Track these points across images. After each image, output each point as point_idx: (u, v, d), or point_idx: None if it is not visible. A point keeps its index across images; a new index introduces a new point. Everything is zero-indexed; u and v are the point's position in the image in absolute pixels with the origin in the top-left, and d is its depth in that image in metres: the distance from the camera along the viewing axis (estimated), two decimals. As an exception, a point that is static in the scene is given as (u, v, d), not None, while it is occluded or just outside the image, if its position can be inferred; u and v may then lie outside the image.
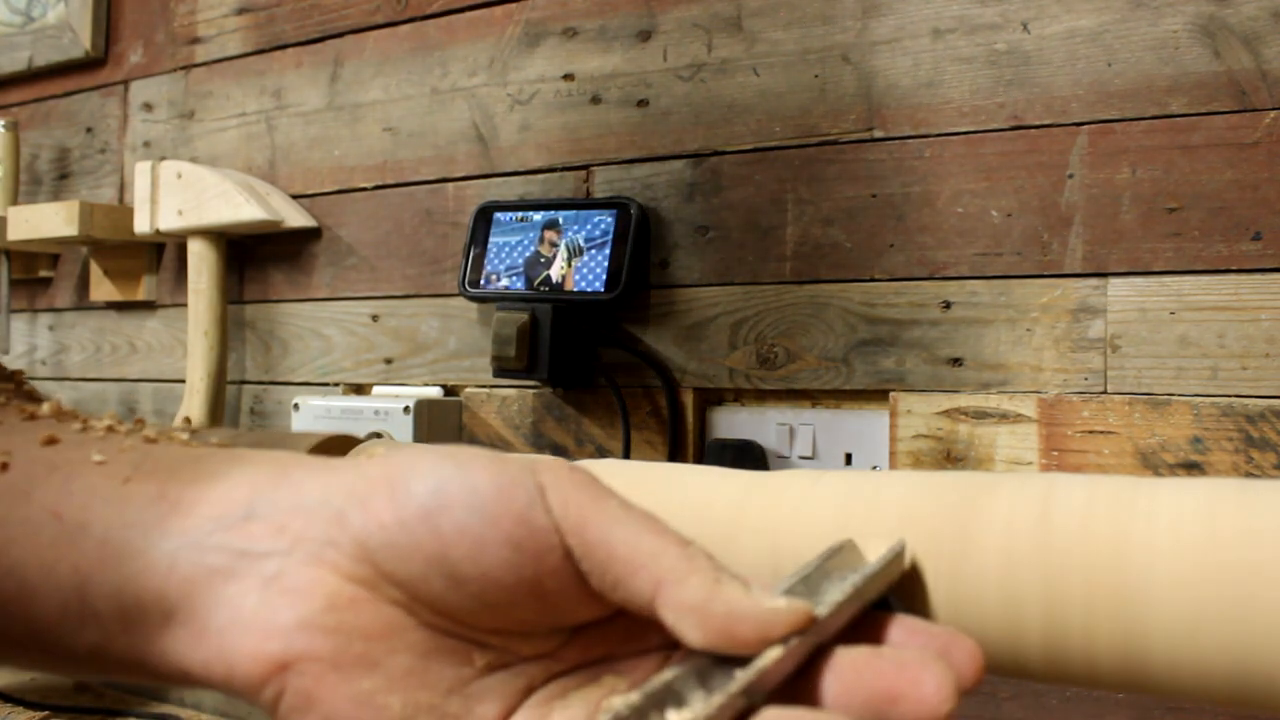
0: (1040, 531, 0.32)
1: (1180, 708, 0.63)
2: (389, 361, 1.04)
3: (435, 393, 1.00)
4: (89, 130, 1.29)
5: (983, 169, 0.76)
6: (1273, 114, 0.67)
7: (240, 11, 1.15)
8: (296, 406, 0.99)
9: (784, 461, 0.83)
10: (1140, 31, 0.71)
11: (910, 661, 0.27)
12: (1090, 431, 0.71)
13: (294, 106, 1.11)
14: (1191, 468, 0.68)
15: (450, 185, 1.00)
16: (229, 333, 1.12)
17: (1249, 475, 0.66)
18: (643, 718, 0.24)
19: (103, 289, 1.25)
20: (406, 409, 0.93)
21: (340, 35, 1.08)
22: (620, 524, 0.28)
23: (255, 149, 1.14)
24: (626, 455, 0.88)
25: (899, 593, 0.34)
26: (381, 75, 1.05)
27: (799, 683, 0.27)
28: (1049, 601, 0.31)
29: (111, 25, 1.27)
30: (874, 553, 0.33)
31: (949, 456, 0.76)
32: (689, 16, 0.88)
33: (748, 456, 0.83)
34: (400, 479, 0.29)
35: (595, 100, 0.92)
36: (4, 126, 1.25)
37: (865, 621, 0.30)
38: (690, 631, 0.27)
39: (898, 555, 0.33)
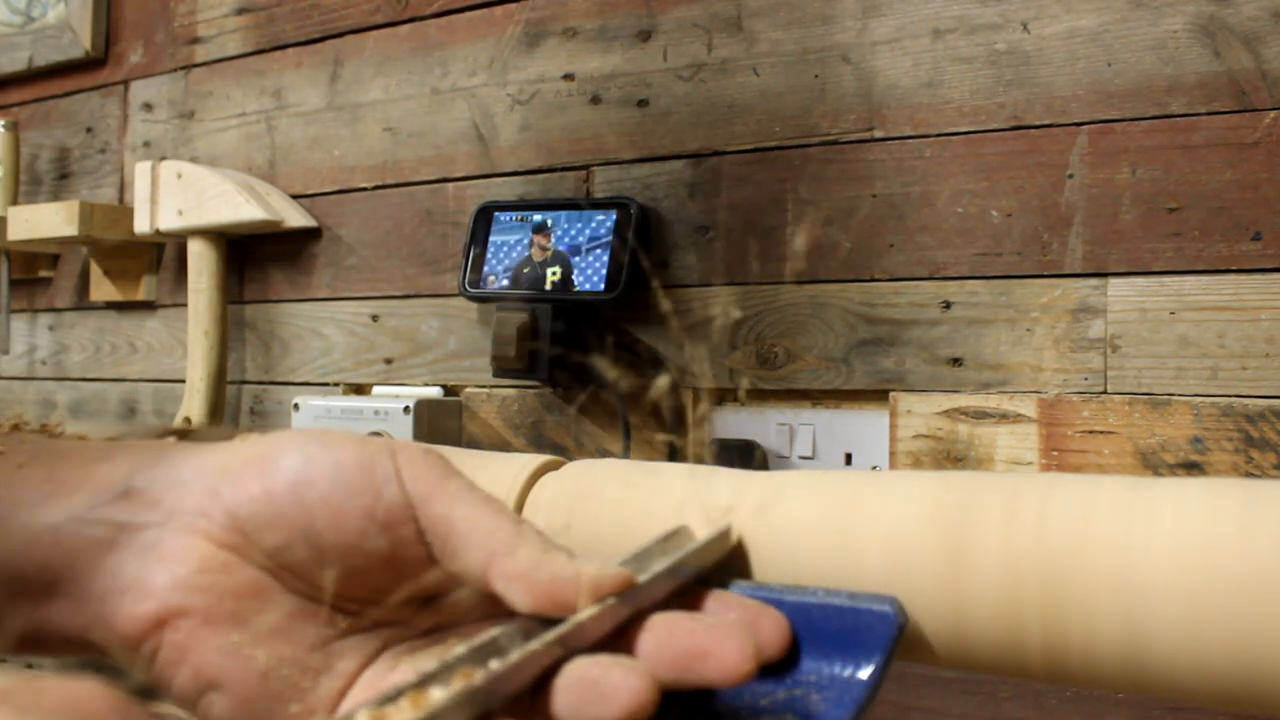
0: (1040, 531, 0.32)
1: (1180, 708, 0.63)
2: (389, 361, 1.04)
3: (435, 393, 1.00)
4: (89, 130, 1.29)
5: (983, 169, 0.76)
6: (1273, 114, 0.67)
7: (240, 11, 1.15)
8: (296, 406, 0.99)
9: (784, 461, 0.83)
10: (1140, 31, 0.71)
11: (718, 625, 0.30)
12: (1090, 431, 0.71)
13: (294, 106, 1.11)
14: (1191, 468, 0.68)
15: (450, 185, 1.00)
16: (229, 333, 1.12)
17: (1249, 475, 0.66)
18: (470, 665, 0.27)
19: (103, 289, 1.25)
20: (406, 409, 0.93)
21: (340, 35, 1.08)
22: (461, 502, 0.31)
23: (255, 149, 1.14)
24: (626, 455, 0.88)
25: (725, 570, 0.36)
26: (381, 75, 1.05)
27: (619, 641, 0.30)
28: (1049, 602, 0.31)
29: (111, 25, 1.27)
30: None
31: (949, 456, 0.76)
32: (689, 16, 0.88)
33: (748, 456, 0.83)
34: (270, 456, 0.32)
35: (595, 100, 0.92)
36: (4, 126, 1.25)
37: (687, 595, 0.33)
38: (518, 597, 0.30)
39: (722, 535, 0.36)
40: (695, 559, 0.34)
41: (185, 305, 1.12)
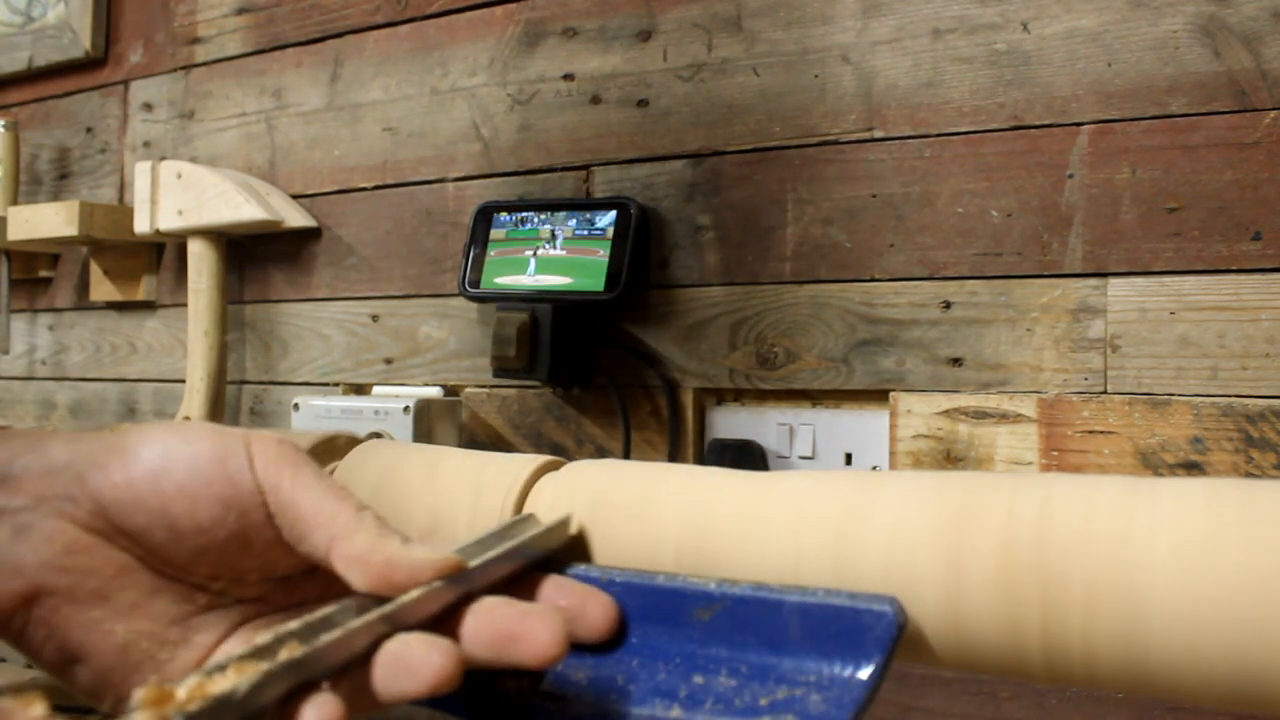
0: (1040, 531, 0.32)
1: (1180, 708, 0.63)
2: (389, 361, 1.04)
3: (435, 393, 1.00)
4: (89, 130, 1.29)
5: (983, 169, 0.76)
6: (1273, 114, 0.67)
7: (240, 11, 1.15)
8: (296, 406, 0.99)
9: (784, 461, 0.83)
10: (1140, 31, 0.71)
11: (532, 611, 0.32)
12: (1090, 431, 0.71)
13: (294, 106, 1.11)
14: (1191, 468, 0.68)
15: (450, 185, 1.00)
16: (229, 333, 1.12)
17: (1249, 475, 0.66)
18: (299, 639, 0.29)
19: (103, 289, 1.25)
20: (406, 409, 0.93)
21: (340, 35, 1.08)
22: (308, 489, 0.34)
23: (255, 149, 1.14)
24: (626, 455, 0.88)
25: (569, 556, 0.39)
26: (381, 75, 1.05)
27: (447, 620, 0.33)
28: (1049, 601, 0.31)
29: (111, 25, 1.27)
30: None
31: (949, 456, 0.76)
32: (689, 16, 0.88)
33: (748, 456, 0.83)
34: (133, 446, 0.34)
35: (595, 100, 0.92)
36: (4, 126, 1.25)
37: (525, 578, 0.36)
38: (355, 578, 0.32)
39: (562, 524, 0.39)
40: (533, 544, 0.37)
41: (185, 305, 1.12)
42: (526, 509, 0.42)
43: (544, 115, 0.95)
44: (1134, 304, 0.71)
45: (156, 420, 0.39)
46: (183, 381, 1.12)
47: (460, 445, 0.94)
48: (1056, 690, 0.63)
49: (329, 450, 0.50)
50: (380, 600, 0.32)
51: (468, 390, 0.99)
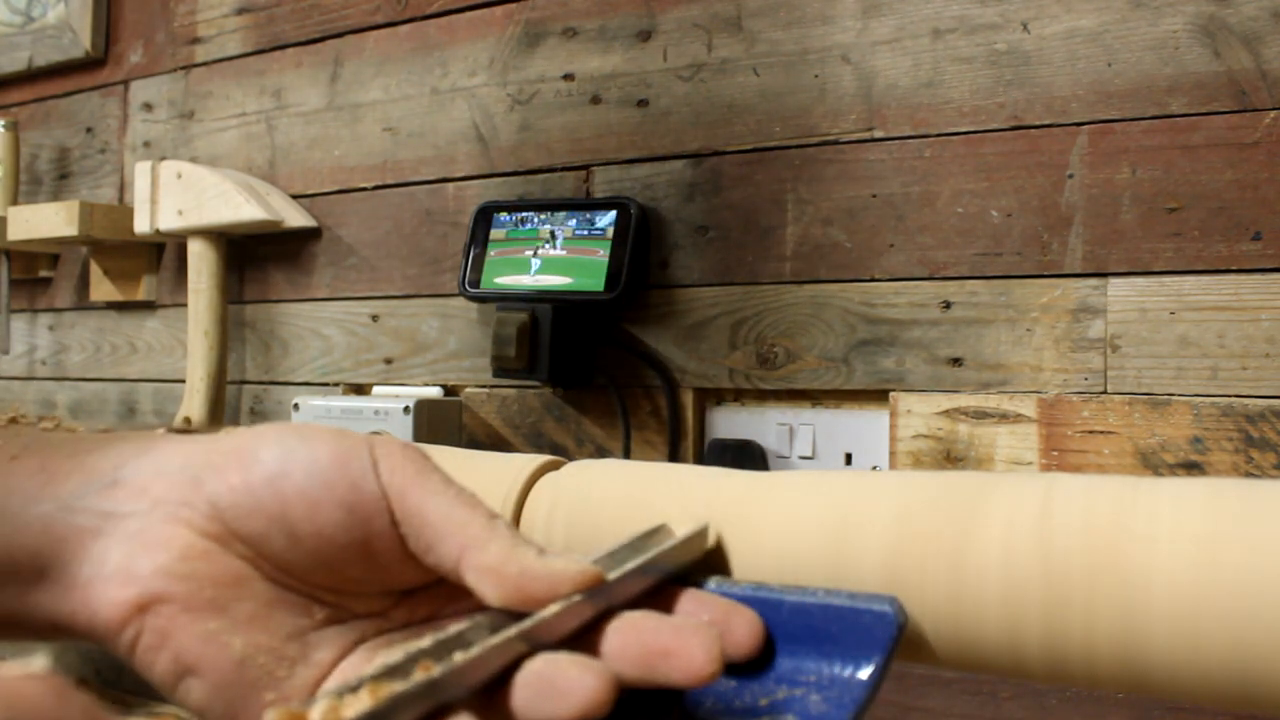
0: (1040, 531, 0.32)
1: (1180, 708, 0.63)
2: (389, 361, 1.04)
3: (435, 393, 1.00)
4: (89, 130, 1.29)
5: (983, 169, 0.76)
6: (1273, 114, 0.67)
7: (240, 11, 1.15)
8: (296, 406, 0.99)
9: (784, 461, 0.83)
10: (1140, 31, 0.71)
11: (684, 626, 0.30)
12: (1090, 431, 0.71)
13: (294, 106, 1.11)
14: (1191, 468, 0.68)
15: (450, 185, 1.00)
16: (229, 333, 1.12)
17: (1249, 475, 0.66)
18: (433, 658, 0.27)
19: (103, 289, 1.25)
20: (406, 409, 0.93)
21: (340, 35, 1.08)
22: (437, 495, 0.32)
23: (255, 149, 1.14)
24: (626, 455, 0.88)
25: (703, 568, 0.37)
26: (381, 75, 1.05)
27: (586, 637, 0.30)
28: (1049, 601, 0.31)
29: (111, 25, 1.27)
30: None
31: (949, 456, 0.76)
32: (689, 16, 0.88)
33: (748, 456, 0.83)
34: (250, 448, 0.33)
35: (595, 100, 0.92)
36: (4, 126, 1.25)
37: (662, 592, 0.34)
38: (489, 591, 0.30)
39: (699, 535, 0.37)
40: (670, 557, 0.35)
41: (185, 305, 1.12)
42: (527, 509, 0.42)
43: (544, 115, 0.95)
44: (1134, 304, 0.71)
45: (275, 422, 0.37)
46: (183, 381, 1.12)
47: (460, 445, 0.94)
48: (1056, 690, 0.63)
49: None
50: (514, 615, 0.30)
51: (468, 390, 0.99)
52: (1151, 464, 0.69)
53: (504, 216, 0.93)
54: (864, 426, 0.81)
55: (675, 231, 0.88)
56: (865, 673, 0.32)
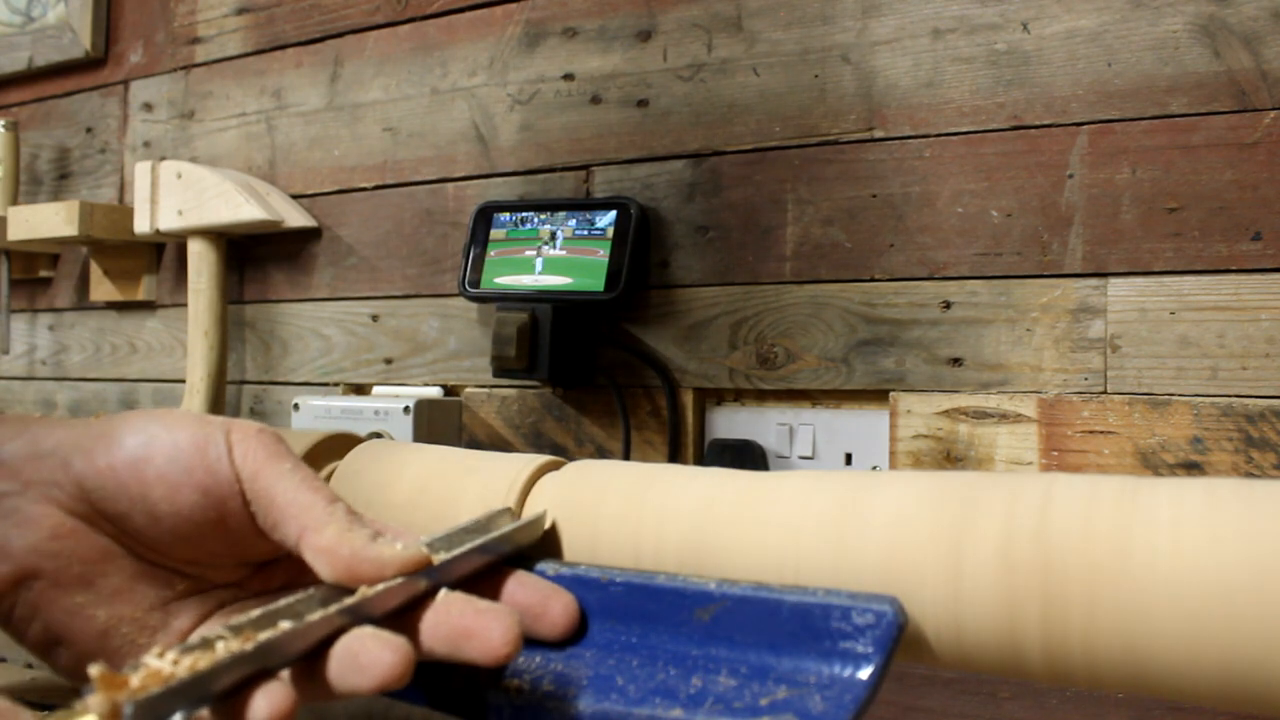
0: (1040, 531, 0.32)
1: (1180, 708, 0.63)
2: (389, 361, 1.04)
3: (435, 393, 1.00)
4: (89, 130, 1.30)
5: (983, 169, 0.76)
6: (1273, 114, 0.67)
7: (240, 11, 1.15)
8: (296, 406, 0.99)
9: (784, 461, 0.84)
10: (1140, 31, 0.71)
11: (487, 609, 0.33)
12: (1090, 431, 0.71)
13: (294, 106, 1.11)
14: (1191, 468, 0.68)
15: (450, 185, 1.00)
16: (229, 333, 1.12)
17: (1249, 475, 0.66)
18: (256, 628, 0.30)
19: (103, 289, 1.25)
20: (406, 409, 0.93)
21: (340, 35, 1.08)
22: (284, 479, 0.35)
23: (255, 149, 1.14)
24: (626, 455, 0.88)
25: (538, 551, 0.40)
26: (381, 75, 1.05)
27: (410, 614, 0.33)
28: (1049, 602, 0.31)
29: (111, 25, 1.27)
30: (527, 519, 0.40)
31: (949, 456, 0.76)
32: (689, 16, 0.88)
33: (748, 456, 0.83)
34: (116, 433, 0.35)
35: (595, 100, 0.92)
36: (4, 126, 1.25)
37: (492, 575, 0.37)
38: (323, 569, 0.33)
39: (537, 520, 0.40)
40: (503, 541, 0.38)
41: (185, 305, 1.12)
42: (527, 509, 0.42)
43: (544, 115, 0.95)
44: (1134, 304, 0.71)
45: (142, 409, 0.40)
46: (183, 381, 1.12)
47: (460, 445, 0.94)
48: (1056, 690, 0.63)
49: (329, 450, 0.50)
50: (346, 592, 0.33)
51: (468, 390, 0.99)
52: (1151, 464, 0.69)
53: (504, 216, 0.93)
54: (864, 426, 0.81)
55: (675, 231, 0.88)
56: (865, 673, 0.32)
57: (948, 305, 0.77)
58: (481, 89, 0.99)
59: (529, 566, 0.39)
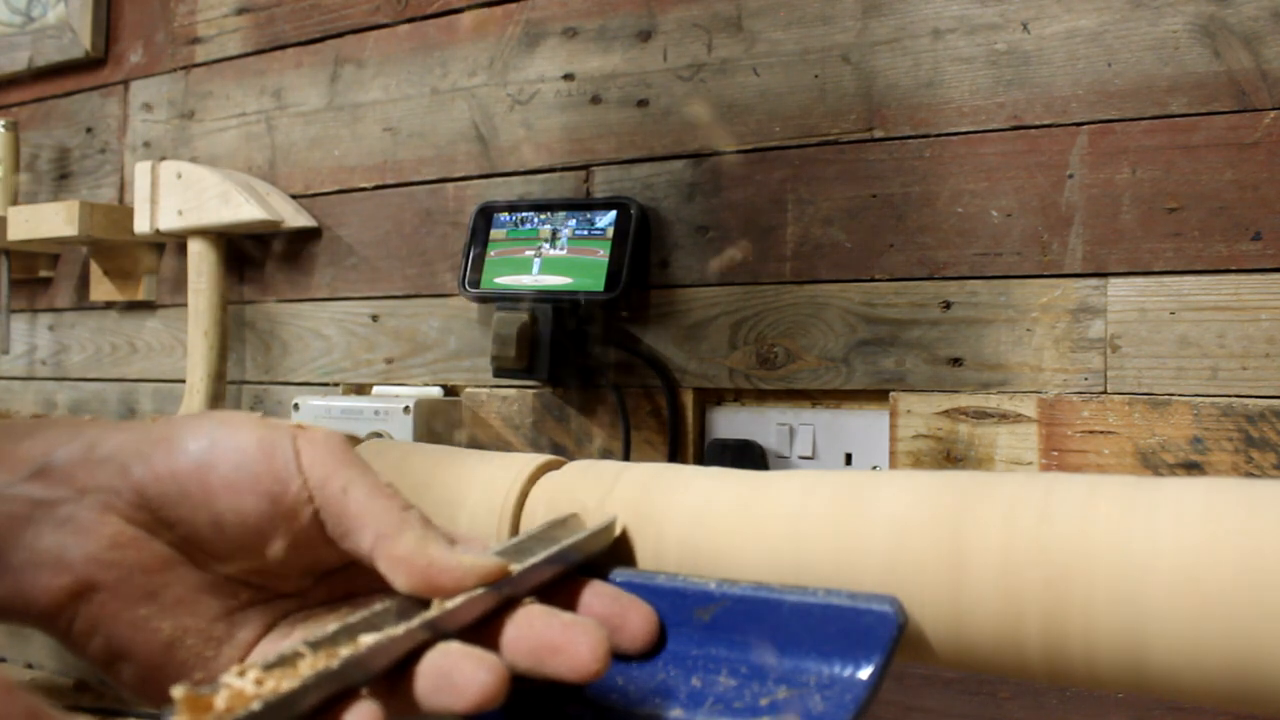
0: (1040, 531, 0.32)
1: (1180, 708, 0.63)
2: (389, 361, 1.04)
3: (435, 393, 1.00)
4: (89, 130, 1.30)
5: (983, 169, 0.76)
6: (1273, 114, 0.67)
7: (240, 11, 1.15)
8: (296, 406, 0.99)
9: (784, 461, 0.84)
10: (1140, 31, 0.71)
11: (574, 623, 0.32)
12: (1090, 431, 0.71)
13: (294, 106, 1.11)
14: (1191, 468, 0.68)
15: (450, 185, 1.00)
16: (229, 333, 1.12)
17: (1249, 475, 0.66)
18: (335, 643, 0.28)
19: (103, 289, 1.25)
20: (406, 409, 0.93)
21: (340, 35, 1.08)
22: (355, 485, 0.33)
23: (255, 149, 1.14)
24: (626, 455, 0.88)
25: (610, 559, 0.38)
26: (381, 75, 1.05)
27: (490, 626, 0.32)
28: (1049, 601, 0.31)
29: (111, 25, 1.27)
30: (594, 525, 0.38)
31: (949, 456, 0.76)
32: (689, 16, 0.88)
33: (748, 456, 0.83)
34: (177, 438, 0.33)
35: (595, 100, 0.92)
36: (4, 126, 1.25)
37: (567, 582, 0.35)
38: (399, 579, 0.32)
39: (607, 528, 0.38)
40: (577, 549, 0.36)
41: (185, 305, 1.12)
42: (527, 509, 0.42)
43: (544, 115, 0.95)
44: (1134, 304, 0.71)
45: (203, 411, 0.39)
46: (183, 381, 1.12)
47: (460, 445, 0.94)
48: (1056, 690, 0.63)
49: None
50: (422, 602, 0.31)
51: (468, 390, 0.99)
52: (1151, 464, 0.69)
53: (504, 216, 0.93)
54: (864, 426, 0.81)
55: (675, 231, 0.88)
56: (865, 673, 0.32)
57: (948, 305, 0.77)
58: (481, 89, 0.99)
59: (603, 575, 0.37)
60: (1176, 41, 0.70)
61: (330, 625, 0.29)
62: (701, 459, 0.87)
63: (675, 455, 0.87)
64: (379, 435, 0.93)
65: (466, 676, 0.29)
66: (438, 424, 0.95)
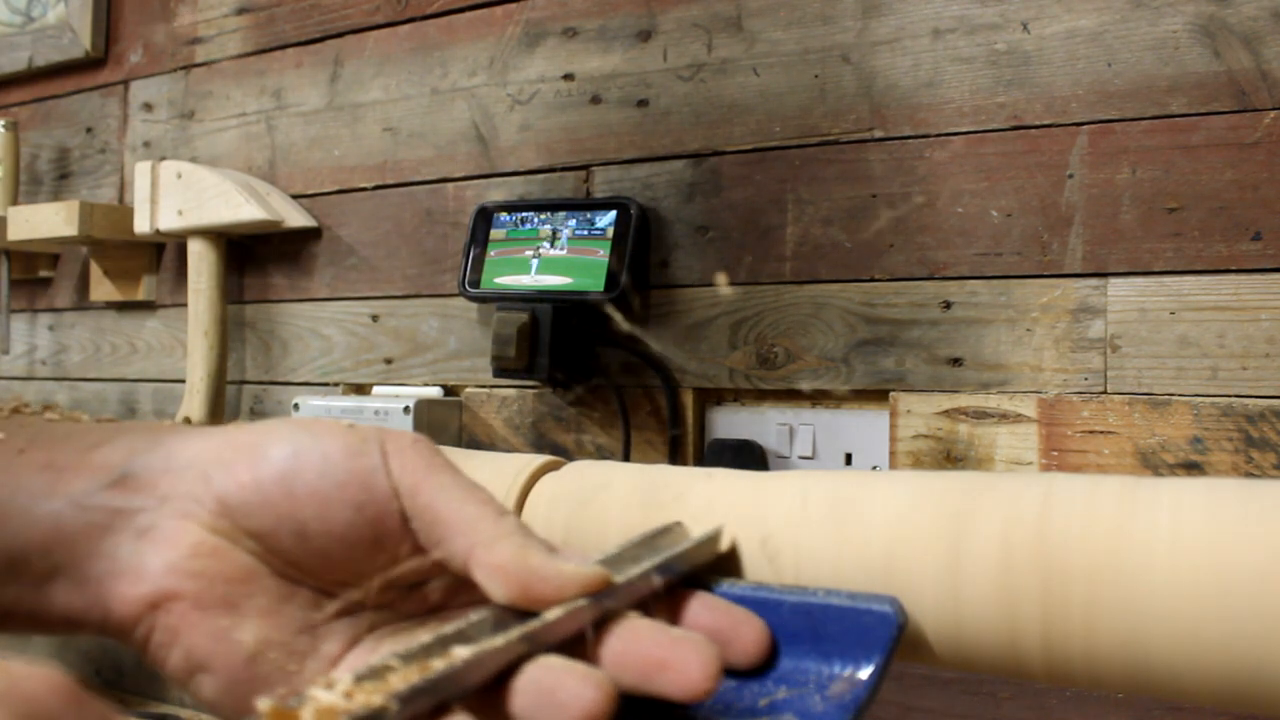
0: (1040, 531, 0.32)
1: (1180, 708, 0.63)
2: (389, 361, 1.04)
3: (435, 393, 1.00)
4: (89, 130, 1.29)
5: (983, 169, 0.76)
6: (1273, 114, 0.67)
7: (240, 11, 1.15)
8: (296, 406, 0.99)
9: (784, 461, 0.83)
10: (1140, 31, 0.71)
11: (683, 638, 0.30)
12: (1090, 431, 0.71)
13: (294, 106, 1.11)
14: (1191, 468, 0.68)
15: (450, 185, 1.00)
16: (229, 333, 1.12)
17: (1249, 475, 0.66)
18: (428, 655, 0.27)
19: (103, 289, 1.25)
20: (406, 409, 0.93)
21: (340, 35, 1.08)
22: (447, 491, 0.32)
23: (255, 149, 1.14)
24: (626, 455, 0.88)
25: (717, 571, 0.36)
26: (381, 75, 1.05)
27: (590, 640, 0.30)
28: (1049, 601, 0.31)
29: (111, 25, 1.27)
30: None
31: (949, 456, 0.76)
32: (689, 16, 0.88)
33: (748, 456, 0.83)
34: (260, 445, 0.33)
35: (595, 100, 0.92)
36: (4, 126, 1.25)
37: (672, 594, 0.34)
38: (496, 589, 0.30)
39: (713, 538, 0.36)
40: (681, 560, 0.35)
41: (185, 305, 1.12)
42: (526, 509, 0.42)
43: (544, 115, 0.95)
44: (1134, 304, 0.71)
45: (285, 417, 0.38)
46: (183, 381, 1.12)
47: (460, 445, 0.94)
48: (1056, 690, 0.63)
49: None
50: (518, 613, 0.30)
51: (468, 390, 0.99)
52: (1151, 464, 0.69)
53: (504, 216, 0.93)
54: (864, 426, 0.81)
55: (675, 231, 0.88)
56: (865, 673, 0.32)
57: (948, 305, 0.77)
58: (481, 89, 0.99)
59: (710, 586, 0.35)
60: (1176, 41, 0.70)
61: (423, 637, 0.28)
62: (701, 459, 0.87)
63: (675, 455, 0.87)
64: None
65: (571, 693, 0.27)
66: (437, 424, 0.95)
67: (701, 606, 0.34)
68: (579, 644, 0.30)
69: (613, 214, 0.88)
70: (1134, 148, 0.71)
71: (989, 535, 0.33)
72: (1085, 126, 0.72)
